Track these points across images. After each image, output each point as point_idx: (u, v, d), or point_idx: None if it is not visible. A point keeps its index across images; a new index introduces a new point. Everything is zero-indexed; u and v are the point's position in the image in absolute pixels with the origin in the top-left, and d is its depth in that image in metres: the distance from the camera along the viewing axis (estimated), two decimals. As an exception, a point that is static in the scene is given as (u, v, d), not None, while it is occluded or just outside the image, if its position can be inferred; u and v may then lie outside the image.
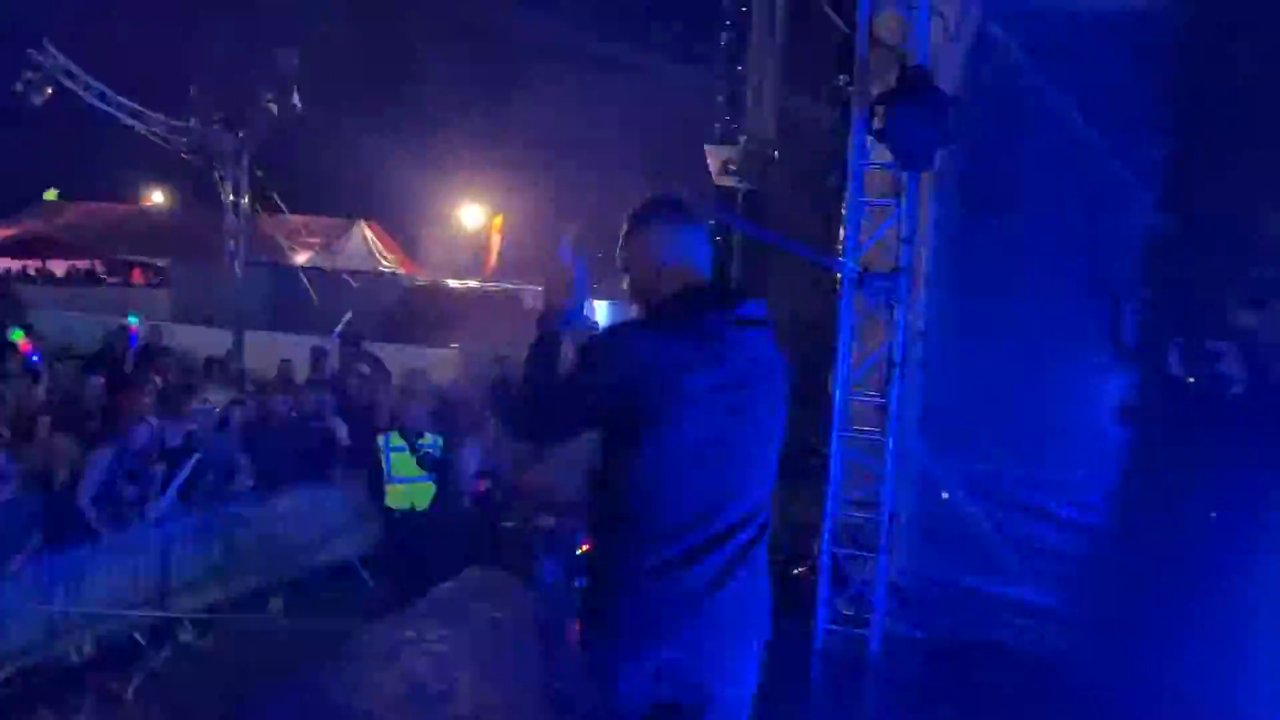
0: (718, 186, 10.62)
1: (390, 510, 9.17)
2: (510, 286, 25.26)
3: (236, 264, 21.10)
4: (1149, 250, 6.57)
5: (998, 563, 6.53)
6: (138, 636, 8.14)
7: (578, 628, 2.88)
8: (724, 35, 10.92)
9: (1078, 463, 6.62)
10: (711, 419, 2.69)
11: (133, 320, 13.90)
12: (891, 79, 6.05)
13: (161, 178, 32.90)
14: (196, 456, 8.70)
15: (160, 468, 8.61)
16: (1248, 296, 6.03)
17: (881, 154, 6.24)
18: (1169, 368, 6.05)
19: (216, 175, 21.14)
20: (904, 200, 6.13)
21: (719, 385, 2.70)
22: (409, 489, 9.22)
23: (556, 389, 2.78)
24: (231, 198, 21.06)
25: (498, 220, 30.13)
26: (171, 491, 8.51)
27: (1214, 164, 6.30)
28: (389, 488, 9.16)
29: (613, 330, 2.85)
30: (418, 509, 9.23)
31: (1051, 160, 6.64)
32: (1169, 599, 5.68)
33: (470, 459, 10.26)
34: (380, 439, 9.38)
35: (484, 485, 10.23)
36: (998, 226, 6.73)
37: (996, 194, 6.77)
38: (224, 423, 9.79)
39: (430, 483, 9.31)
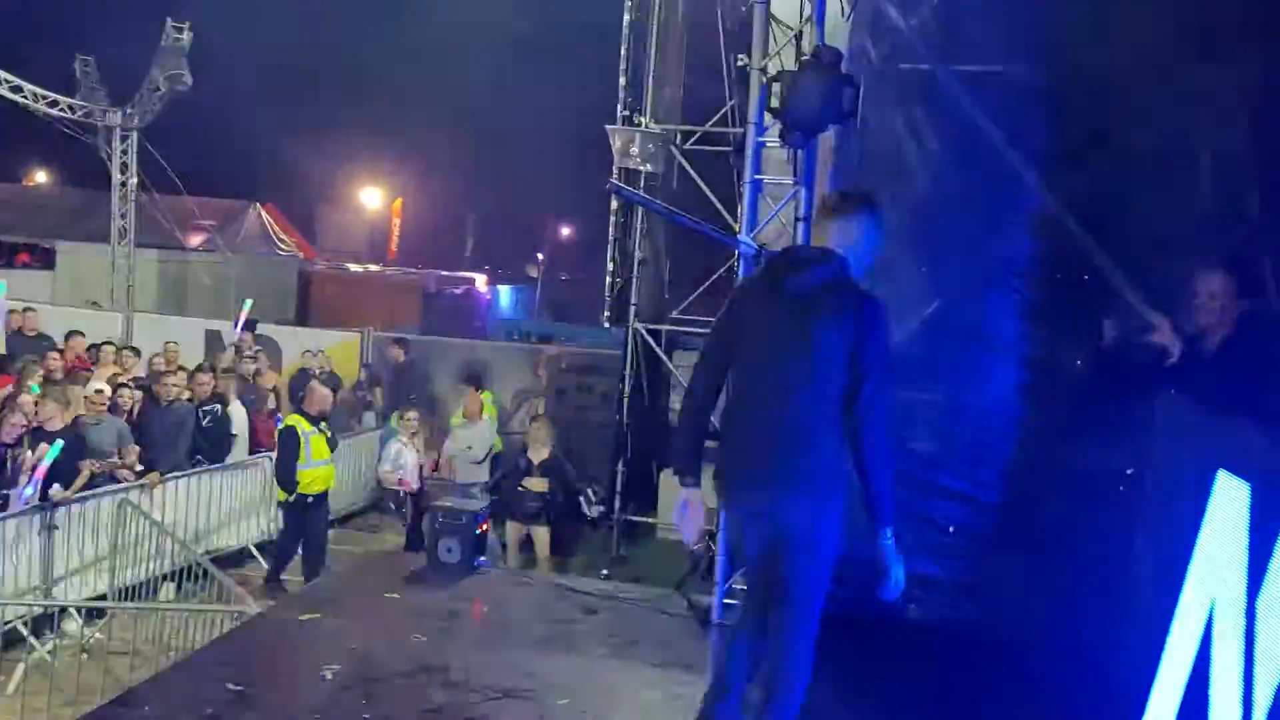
0: (621, 169, 10.63)
1: (303, 494, 9.05)
2: (412, 271, 24.95)
3: (125, 245, 20.39)
4: (1039, 230, 6.73)
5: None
6: (20, 627, 7.84)
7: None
8: (626, 17, 10.90)
9: (972, 439, 6.77)
10: (766, 335, 3.72)
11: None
12: (789, 57, 6.11)
13: (45, 156, 31.58)
14: (59, 444, 8.36)
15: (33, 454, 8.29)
16: (1138, 283, 6.18)
17: (779, 132, 6.29)
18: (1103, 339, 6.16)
19: (103, 153, 20.37)
20: (801, 179, 6.20)
21: (772, 311, 3.73)
22: (323, 472, 9.18)
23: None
24: (119, 177, 20.32)
25: (398, 203, 29.70)
26: (35, 479, 8.17)
27: (1094, 147, 6.48)
28: (305, 472, 9.05)
29: None
30: (328, 490, 9.24)
31: (943, 141, 6.77)
32: (1061, 570, 5.84)
33: (401, 455, 9.96)
34: (293, 422, 9.23)
35: (414, 485, 9.91)
36: (894, 207, 6.82)
37: (891, 175, 6.88)
38: (112, 408, 9.47)
39: (333, 465, 9.29)
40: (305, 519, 9.21)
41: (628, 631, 5.98)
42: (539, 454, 8.99)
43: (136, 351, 12.17)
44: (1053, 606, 5.82)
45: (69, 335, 12.38)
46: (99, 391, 9.34)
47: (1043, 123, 6.57)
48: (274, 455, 9.44)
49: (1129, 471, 5.49)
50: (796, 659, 3.74)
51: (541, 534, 8.87)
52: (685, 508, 3.83)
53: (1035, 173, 6.60)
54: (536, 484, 8.84)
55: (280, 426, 9.35)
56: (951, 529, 6.83)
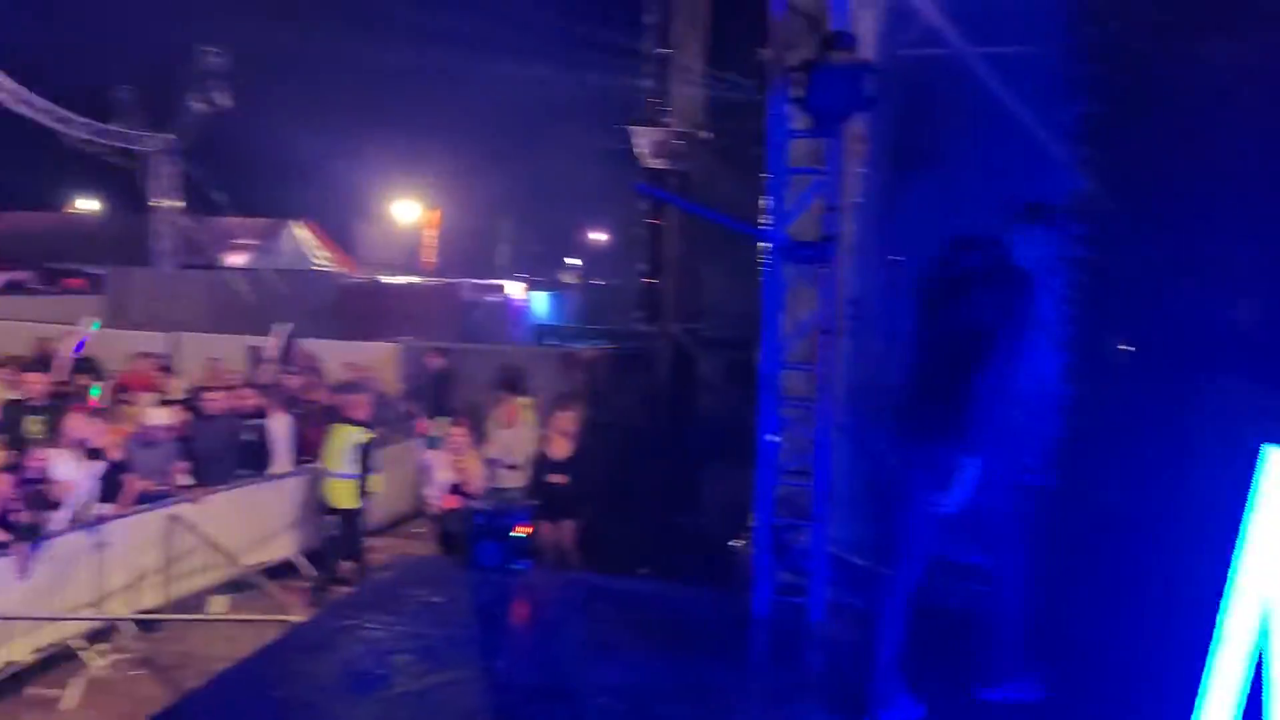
0: (647, 169, 10.63)
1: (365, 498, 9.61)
2: (448, 281, 25.16)
3: (168, 267, 20.75)
4: (1075, 212, 6.61)
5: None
6: (74, 644, 7.98)
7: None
8: (649, 17, 10.91)
9: (1017, 427, 6.66)
10: (936, 312, 4.66)
11: (95, 327, 13.65)
12: (811, 47, 6.07)
13: (89, 184, 32.18)
14: (103, 464, 8.56)
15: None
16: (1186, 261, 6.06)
17: (803, 122, 6.26)
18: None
19: (143, 178, 20.76)
20: (827, 168, 6.16)
21: (938, 286, 4.70)
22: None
23: None
24: (162, 201, 20.69)
25: (433, 214, 29.97)
26: (66, 511, 8.29)
27: (1132, 125, 6.36)
28: (370, 478, 9.56)
29: None
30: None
31: (973, 124, 6.69)
32: (1111, 556, 5.74)
33: (437, 467, 9.97)
34: (354, 433, 9.47)
35: (456, 501, 9.77)
36: (922, 192, 6.78)
37: (921, 159, 6.82)
38: (157, 425, 9.62)
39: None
40: (358, 523, 9.57)
41: (670, 630, 5.97)
42: (560, 450, 8.96)
43: (168, 370, 12.48)
44: (1104, 595, 5.72)
45: (138, 356, 12.76)
46: (168, 426, 9.59)
47: (1077, 101, 6.47)
48: (317, 465, 9.89)
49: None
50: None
51: (567, 529, 8.82)
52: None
53: (1068, 153, 6.50)
54: (557, 479, 8.81)
55: (365, 437, 9.65)
56: (1001, 518, 6.73)
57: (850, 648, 6.26)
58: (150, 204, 20.92)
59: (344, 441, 9.66)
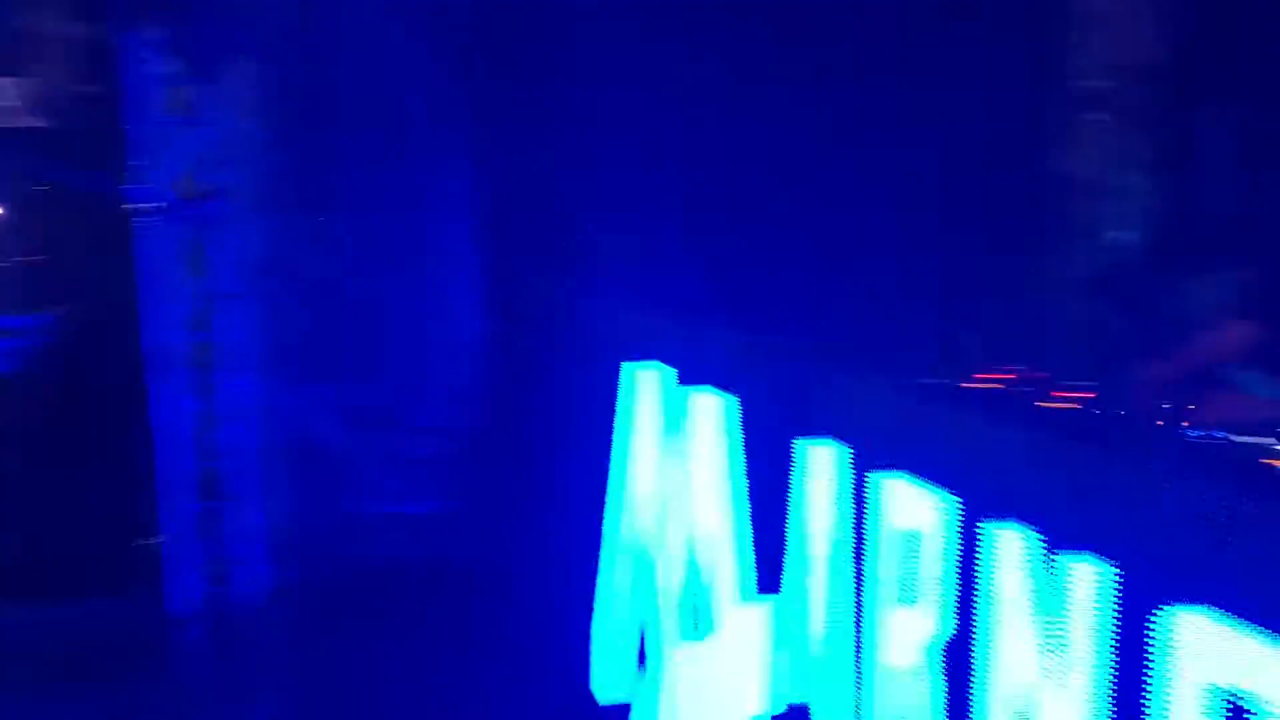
0: (6, 128, 9.14)
1: None
2: None
3: None
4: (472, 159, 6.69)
5: (371, 484, 6.46)
6: None
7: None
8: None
9: (428, 371, 6.68)
10: None
11: None
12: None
13: None
14: None
15: None
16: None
17: (173, 67, 5.72)
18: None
19: None
20: (202, 116, 5.68)
21: None
22: None
23: None
24: None
25: None
26: None
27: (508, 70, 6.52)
28: None
29: None
30: None
31: (370, 69, 6.51)
32: (533, 488, 5.90)
33: None
34: None
35: None
36: (318, 143, 6.49)
37: (314, 107, 6.51)
38: None
39: None
40: None
41: (70, 662, 5.24)
42: None
43: None
44: (530, 526, 5.92)
45: None
46: None
47: (472, 44, 6.47)
48: None
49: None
50: None
51: None
52: None
53: (457, 97, 6.53)
54: None
55: None
56: (427, 465, 6.74)
57: (296, 625, 5.97)
58: None
59: None
